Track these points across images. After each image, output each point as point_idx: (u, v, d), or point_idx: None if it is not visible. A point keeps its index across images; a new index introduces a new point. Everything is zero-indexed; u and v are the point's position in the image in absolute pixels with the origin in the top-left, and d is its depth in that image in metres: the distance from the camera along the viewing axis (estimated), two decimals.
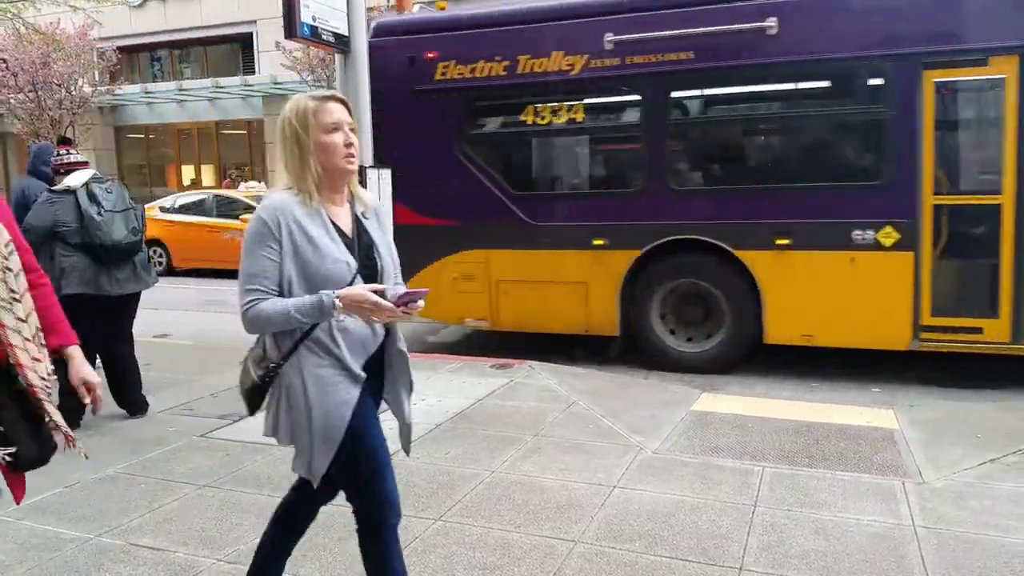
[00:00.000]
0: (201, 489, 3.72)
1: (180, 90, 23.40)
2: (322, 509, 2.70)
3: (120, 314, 4.79)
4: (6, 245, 1.96)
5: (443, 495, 3.60)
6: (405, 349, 2.30)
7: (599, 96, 6.42)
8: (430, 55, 6.53)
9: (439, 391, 5.29)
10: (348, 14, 4.61)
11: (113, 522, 3.37)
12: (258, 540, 2.38)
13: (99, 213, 4.45)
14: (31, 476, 1.97)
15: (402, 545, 3.09)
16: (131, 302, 4.82)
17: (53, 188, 4.58)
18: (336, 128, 2.11)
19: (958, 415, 4.80)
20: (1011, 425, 4.45)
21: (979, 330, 5.38)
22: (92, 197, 4.48)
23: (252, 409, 2.22)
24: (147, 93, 23.64)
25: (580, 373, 5.83)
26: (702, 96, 6.25)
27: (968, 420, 4.62)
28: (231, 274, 9.70)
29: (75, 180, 4.53)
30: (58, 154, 4.73)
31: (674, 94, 6.07)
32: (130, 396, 4.89)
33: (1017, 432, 4.27)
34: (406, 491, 3.67)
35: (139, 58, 26.15)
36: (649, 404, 4.96)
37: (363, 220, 2.24)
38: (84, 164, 4.71)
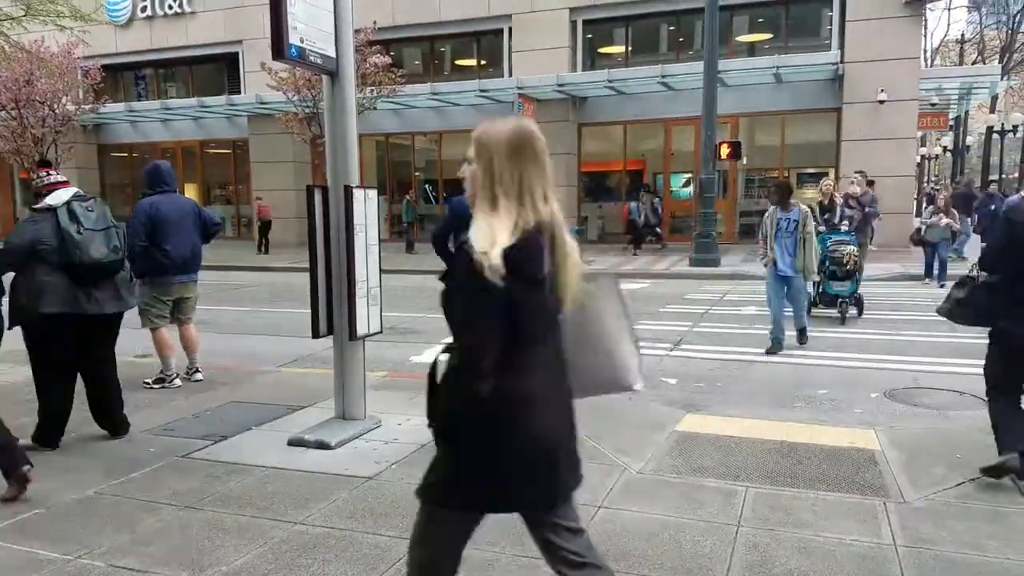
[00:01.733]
0: (183, 510, 3.68)
1: (165, 109, 23.38)
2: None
3: (101, 333, 4.74)
4: None
5: None
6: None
7: None
8: None
9: (424, 411, 5.26)
10: (336, 37, 4.63)
11: (93, 543, 3.33)
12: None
13: (79, 231, 4.42)
14: None
15: (385, 567, 3.11)
16: (112, 322, 4.77)
17: (35, 207, 4.57)
18: None
19: (937, 435, 4.85)
20: (989, 445, 4.50)
21: None
22: (72, 215, 4.45)
23: None
24: (131, 112, 23.61)
25: None
26: None
27: (947, 440, 4.67)
28: None
29: (56, 199, 4.51)
30: (38, 176, 4.72)
31: None
32: (111, 416, 4.84)
33: (995, 452, 4.31)
34: (390, 511, 3.68)
35: (123, 77, 26.13)
36: (633, 425, 4.98)
37: None
38: (65, 183, 4.70)
